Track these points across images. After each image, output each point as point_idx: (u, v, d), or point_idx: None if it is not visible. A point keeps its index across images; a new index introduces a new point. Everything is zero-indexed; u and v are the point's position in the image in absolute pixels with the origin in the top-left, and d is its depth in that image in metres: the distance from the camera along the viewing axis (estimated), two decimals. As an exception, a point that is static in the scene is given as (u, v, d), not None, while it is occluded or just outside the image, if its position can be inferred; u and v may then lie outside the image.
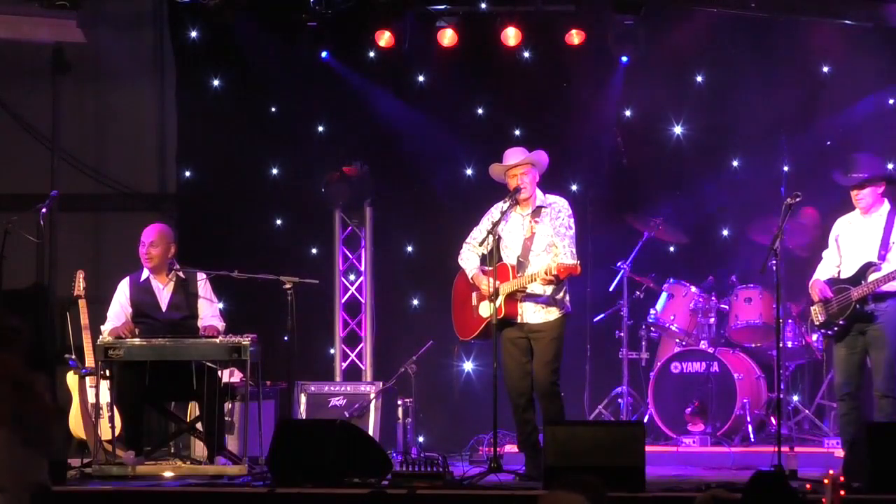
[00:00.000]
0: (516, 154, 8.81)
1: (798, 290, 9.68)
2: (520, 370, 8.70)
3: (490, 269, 8.67)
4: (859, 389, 8.52)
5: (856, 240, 8.51)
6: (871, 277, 8.33)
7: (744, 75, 11.27)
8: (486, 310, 8.69)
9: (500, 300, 8.58)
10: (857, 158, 8.56)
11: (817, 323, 8.64)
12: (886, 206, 8.51)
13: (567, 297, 8.77)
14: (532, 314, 8.67)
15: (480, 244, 8.85)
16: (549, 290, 8.61)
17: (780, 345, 8.99)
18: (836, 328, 8.44)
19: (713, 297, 10.74)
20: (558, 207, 8.75)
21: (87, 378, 9.55)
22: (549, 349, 8.64)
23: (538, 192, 8.79)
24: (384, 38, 11.35)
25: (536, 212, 8.74)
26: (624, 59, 11.31)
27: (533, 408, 8.73)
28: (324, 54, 11.54)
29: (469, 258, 8.90)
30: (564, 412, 8.85)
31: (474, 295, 8.84)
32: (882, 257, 8.38)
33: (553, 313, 8.67)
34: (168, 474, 8.62)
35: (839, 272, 8.56)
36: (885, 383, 8.30)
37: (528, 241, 8.71)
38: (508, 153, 8.85)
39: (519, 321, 8.68)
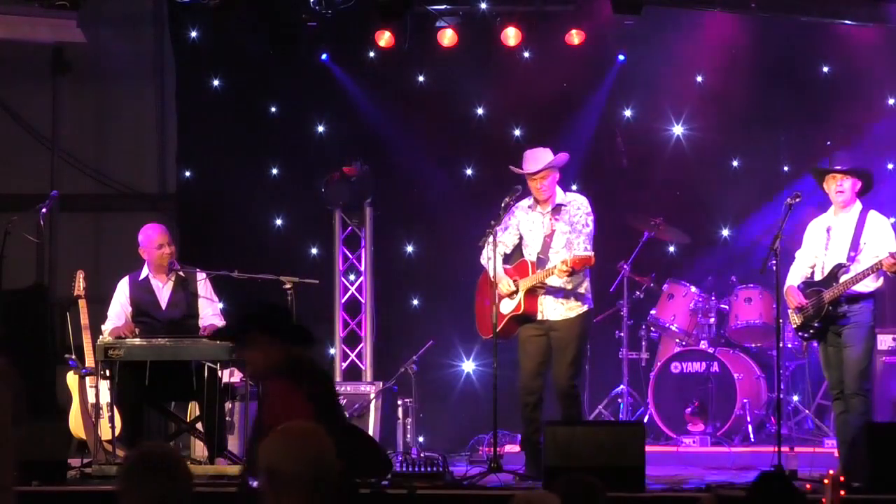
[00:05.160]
0: (535, 160, 8.78)
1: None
2: (534, 370, 8.71)
3: (510, 267, 8.73)
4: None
5: (831, 241, 8.54)
6: (842, 279, 8.37)
7: (744, 75, 11.28)
8: (505, 307, 8.73)
9: (520, 296, 8.65)
10: (838, 153, 8.63)
11: (794, 326, 8.69)
12: (859, 205, 8.54)
13: (589, 293, 8.79)
14: (552, 310, 8.69)
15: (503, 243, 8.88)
16: (568, 284, 8.63)
17: (780, 345, 8.99)
18: (811, 330, 8.50)
19: (713, 297, 10.75)
20: (577, 205, 8.82)
21: (87, 378, 9.55)
22: (570, 350, 8.65)
23: (558, 191, 8.84)
24: (384, 38, 11.36)
25: (557, 209, 8.79)
26: (621, 57, 11.33)
27: (541, 408, 8.74)
28: (324, 56, 11.55)
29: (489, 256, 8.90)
30: (582, 414, 8.89)
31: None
32: (852, 259, 8.40)
33: (573, 309, 8.69)
34: (168, 474, 8.61)
35: (813, 273, 8.60)
36: (855, 382, 8.34)
37: (547, 238, 8.77)
38: (528, 156, 8.82)
39: (539, 318, 8.70)
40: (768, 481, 4.68)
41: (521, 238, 8.85)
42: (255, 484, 3.70)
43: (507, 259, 8.89)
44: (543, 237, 8.77)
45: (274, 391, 5.81)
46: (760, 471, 4.98)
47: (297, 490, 3.48)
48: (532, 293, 8.68)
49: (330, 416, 5.72)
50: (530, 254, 8.79)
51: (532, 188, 8.78)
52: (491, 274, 8.78)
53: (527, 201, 8.87)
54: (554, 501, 4.37)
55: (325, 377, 6.39)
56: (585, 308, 8.75)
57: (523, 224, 8.84)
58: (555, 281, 8.62)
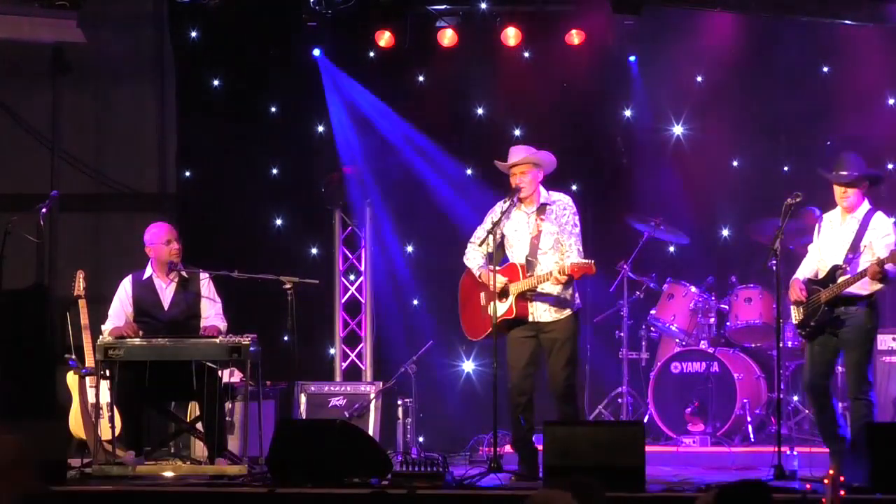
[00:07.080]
0: (519, 152, 8.79)
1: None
2: (524, 370, 8.67)
3: (495, 269, 8.65)
4: (829, 388, 8.54)
5: (833, 240, 8.53)
6: (839, 280, 8.35)
7: (744, 75, 11.28)
8: (497, 309, 8.66)
9: (511, 300, 8.57)
10: (845, 157, 8.55)
11: (794, 322, 8.68)
12: (865, 206, 8.51)
13: (576, 295, 8.76)
14: (543, 313, 8.63)
15: (481, 244, 8.82)
16: (559, 288, 8.58)
17: (780, 345, 8.99)
18: (808, 329, 8.49)
19: (713, 297, 10.75)
20: (563, 205, 8.72)
21: (87, 378, 9.55)
22: (565, 350, 8.61)
23: (542, 190, 8.75)
24: (384, 38, 11.36)
25: (541, 209, 8.70)
26: (632, 58, 11.33)
27: (532, 408, 8.70)
28: (316, 52, 11.54)
29: (473, 257, 8.84)
30: (579, 412, 8.87)
31: (482, 295, 8.76)
32: (849, 260, 8.38)
33: (563, 311, 8.65)
34: (168, 474, 8.62)
35: (818, 271, 8.59)
36: (855, 386, 8.33)
37: (534, 239, 8.67)
38: (513, 150, 8.83)
39: (530, 320, 8.65)
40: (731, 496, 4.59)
41: (502, 238, 8.76)
42: None
43: (490, 260, 8.74)
44: (530, 238, 8.68)
45: None
46: (718, 486, 4.83)
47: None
48: (522, 297, 8.61)
49: None
50: (517, 256, 8.69)
51: (511, 182, 8.73)
52: (478, 273, 8.74)
53: (502, 203, 8.78)
54: (569, 501, 4.37)
55: None
56: (575, 310, 8.71)
57: (506, 224, 8.75)
58: (547, 287, 8.56)
